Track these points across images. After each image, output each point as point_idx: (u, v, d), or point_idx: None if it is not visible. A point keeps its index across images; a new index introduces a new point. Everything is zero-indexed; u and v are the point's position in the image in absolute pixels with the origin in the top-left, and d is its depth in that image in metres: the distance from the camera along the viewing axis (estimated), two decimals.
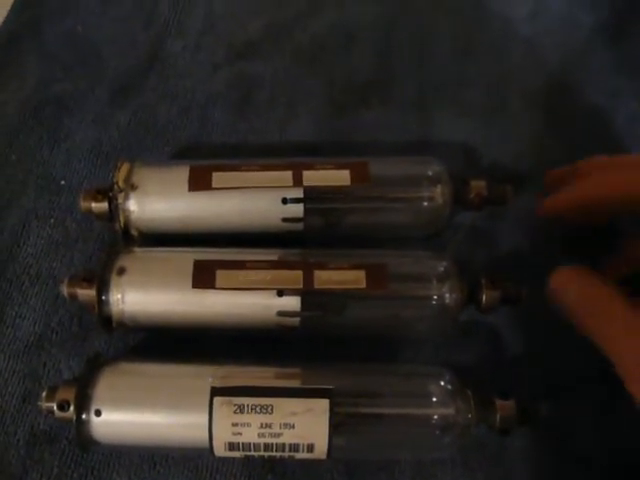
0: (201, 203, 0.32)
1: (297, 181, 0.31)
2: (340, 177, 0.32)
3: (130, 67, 0.40)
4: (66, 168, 0.37)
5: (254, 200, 0.32)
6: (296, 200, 0.31)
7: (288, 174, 0.32)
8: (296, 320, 0.30)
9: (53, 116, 0.38)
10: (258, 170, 0.32)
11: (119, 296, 0.29)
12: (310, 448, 0.27)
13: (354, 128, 0.39)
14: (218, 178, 0.32)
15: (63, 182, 0.36)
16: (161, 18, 0.43)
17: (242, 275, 0.29)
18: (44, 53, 0.41)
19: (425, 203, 0.33)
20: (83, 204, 0.32)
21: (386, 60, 0.42)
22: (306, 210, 0.31)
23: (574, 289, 0.28)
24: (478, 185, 0.33)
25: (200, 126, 0.39)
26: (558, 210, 0.33)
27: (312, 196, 0.32)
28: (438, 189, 0.32)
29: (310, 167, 0.32)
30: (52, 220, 0.35)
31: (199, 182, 0.31)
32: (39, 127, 0.38)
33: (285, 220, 0.32)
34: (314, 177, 0.32)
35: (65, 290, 0.30)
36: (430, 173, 0.33)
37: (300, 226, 0.32)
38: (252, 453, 0.27)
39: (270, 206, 0.31)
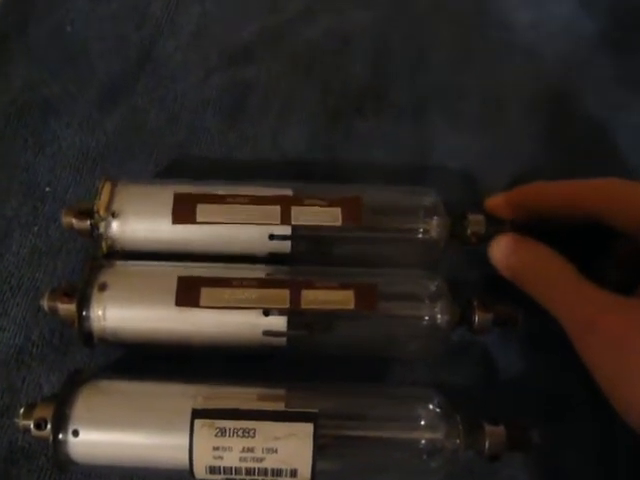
0: (185, 235, 0.31)
1: (285, 218, 0.30)
2: (331, 216, 0.31)
3: (120, 69, 0.39)
4: (51, 174, 0.36)
5: (240, 235, 0.31)
6: (283, 237, 0.31)
7: (276, 210, 0.30)
8: (282, 340, 0.29)
9: (39, 119, 0.37)
10: (245, 203, 0.31)
11: (100, 312, 0.28)
12: (293, 473, 0.26)
13: (348, 139, 0.38)
14: (202, 211, 0.30)
15: (48, 189, 0.35)
16: (153, 18, 0.42)
17: (227, 293, 0.29)
18: (31, 54, 0.39)
19: (419, 236, 0.32)
20: (65, 220, 0.31)
21: (382, 68, 0.41)
22: (293, 246, 0.31)
23: (516, 259, 0.30)
24: (476, 220, 0.32)
25: (190, 133, 0.38)
26: (498, 207, 0.33)
27: (300, 233, 0.31)
28: (434, 222, 0.31)
29: (299, 202, 0.31)
30: (35, 228, 0.34)
31: (183, 215, 0.30)
32: (24, 130, 0.37)
33: (271, 255, 0.31)
34: (303, 214, 0.31)
35: (45, 304, 0.29)
36: (426, 204, 0.32)
37: (287, 256, 0.31)
38: (234, 477, 0.26)
39: (256, 241, 0.31)
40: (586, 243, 0.31)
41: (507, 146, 0.38)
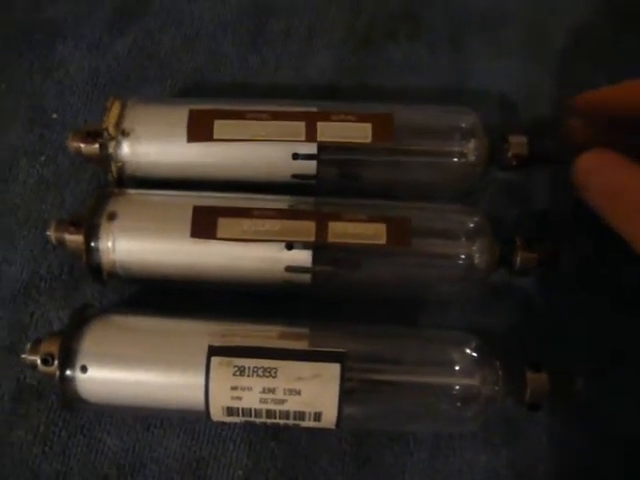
0: (201, 155, 0.28)
1: (310, 135, 0.28)
2: (360, 132, 0.28)
3: None
4: (59, 100, 0.33)
5: (261, 154, 0.28)
6: (308, 157, 0.28)
7: (300, 126, 0.28)
8: (306, 277, 0.27)
9: (45, 42, 0.34)
10: (266, 119, 0.28)
11: (109, 244, 0.26)
12: (317, 417, 0.24)
13: (378, 65, 0.35)
14: (220, 127, 0.28)
15: (55, 116, 0.33)
16: None
17: (247, 224, 0.26)
18: None
19: (455, 159, 0.29)
20: (71, 144, 0.29)
21: None
22: (320, 167, 0.28)
23: (604, 177, 0.26)
24: (518, 142, 0.29)
25: (207, 58, 0.35)
26: (592, 105, 0.29)
27: (327, 152, 0.28)
28: (471, 145, 0.29)
29: (326, 118, 0.28)
30: (42, 157, 0.32)
31: (199, 132, 0.28)
32: (30, 54, 0.34)
33: (295, 177, 0.28)
34: (330, 130, 0.28)
35: (52, 235, 0.27)
36: (463, 125, 0.29)
37: (312, 182, 0.29)
38: (253, 419, 0.25)
39: (278, 161, 0.28)
40: None
41: (552, 73, 0.35)
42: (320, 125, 0.28)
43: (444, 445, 0.28)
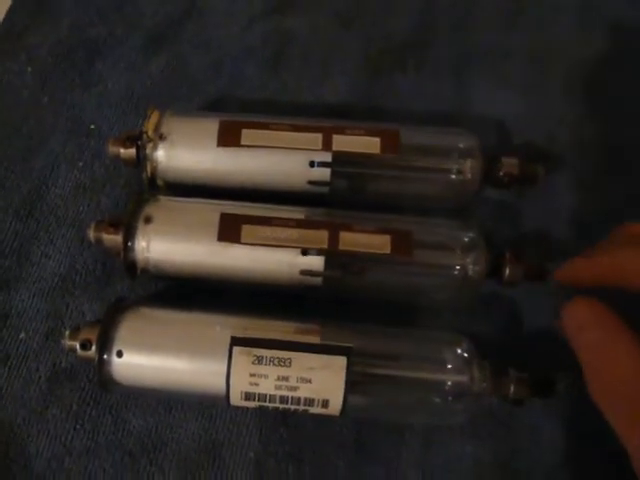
0: (228, 159, 0.32)
1: (326, 145, 0.31)
2: (370, 144, 0.32)
3: (166, 15, 0.40)
4: (96, 113, 0.37)
5: (281, 160, 0.32)
6: (324, 164, 0.31)
7: (318, 137, 0.31)
8: (318, 280, 0.30)
9: (86, 60, 0.38)
10: (288, 130, 0.32)
11: (144, 244, 0.29)
12: (325, 404, 0.27)
13: (388, 92, 0.38)
14: (247, 135, 0.31)
15: (93, 126, 0.36)
16: None
17: (268, 231, 0.29)
18: None
19: (453, 176, 0.32)
20: (111, 149, 0.32)
21: (426, 23, 0.41)
22: (333, 174, 0.31)
23: (594, 335, 0.23)
24: (509, 163, 0.32)
25: (232, 79, 0.38)
26: (569, 280, 0.27)
27: (340, 161, 0.31)
28: (468, 163, 0.32)
29: (340, 131, 0.32)
30: (80, 164, 0.35)
31: (228, 138, 0.31)
32: (71, 70, 0.38)
33: (311, 183, 0.32)
34: (344, 142, 0.31)
35: (91, 234, 0.30)
36: (461, 146, 0.32)
37: (325, 189, 0.32)
38: (267, 404, 0.27)
39: (297, 167, 0.32)
40: None
41: (546, 109, 0.38)
42: (335, 137, 0.31)
43: (435, 437, 0.30)
